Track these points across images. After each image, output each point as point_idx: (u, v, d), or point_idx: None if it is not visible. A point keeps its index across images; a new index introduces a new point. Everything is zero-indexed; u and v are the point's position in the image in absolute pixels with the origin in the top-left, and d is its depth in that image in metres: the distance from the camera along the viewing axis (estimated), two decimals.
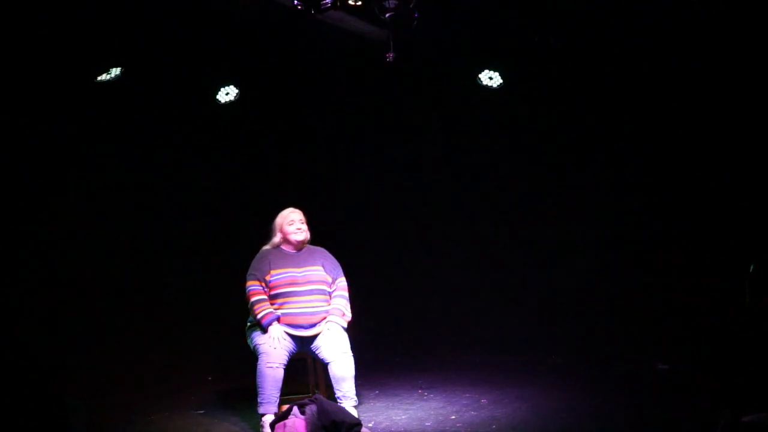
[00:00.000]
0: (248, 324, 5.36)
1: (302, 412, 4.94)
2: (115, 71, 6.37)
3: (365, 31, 6.09)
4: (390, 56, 5.49)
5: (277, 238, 5.45)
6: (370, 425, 5.18)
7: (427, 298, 7.68)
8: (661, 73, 6.58)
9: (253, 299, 5.27)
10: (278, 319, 5.22)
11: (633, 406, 5.35)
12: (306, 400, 5.04)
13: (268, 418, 5.06)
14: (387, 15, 5.30)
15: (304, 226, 5.45)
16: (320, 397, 5.08)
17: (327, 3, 5.29)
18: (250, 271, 5.37)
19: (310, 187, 7.63)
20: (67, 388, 5.77)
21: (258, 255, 5.45)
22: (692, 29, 6.18)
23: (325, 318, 5.29)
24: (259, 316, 5.22)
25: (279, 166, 7.78)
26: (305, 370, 5.70)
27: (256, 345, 5.20)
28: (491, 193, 7.42)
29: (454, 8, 6.15)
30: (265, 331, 5.19)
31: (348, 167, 7.91)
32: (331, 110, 7.80)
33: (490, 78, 7.09)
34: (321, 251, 5.51)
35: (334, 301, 5.35)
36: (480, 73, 7.09)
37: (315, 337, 5.27)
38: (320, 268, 5.38)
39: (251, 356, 5.22)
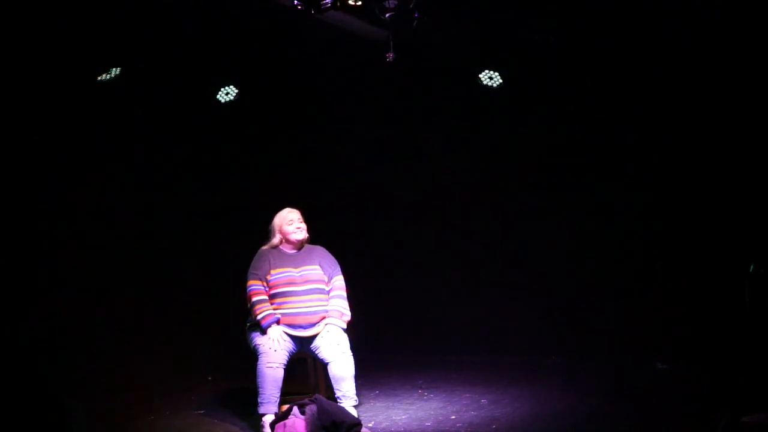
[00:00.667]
0: (248, 324, 5.36)
1: (302, 412, 4.94)
2: (115, 71, 6.36)
3: (365, 31, 6.09)
4: (390, 56, 5.49)
5: (276, 239, 5.45)
6: (370, 425, 5.18)
7: (427, 297, 7.67)
8: (662, 72, 6.58)
9: (253, 299, 5.27)
10: (278, 321, 5.22)
11: (633, 406, 5.34)
12: (306, 400, 5.04)
13: (268, 418, 5.06)
14: (387, 15, 5.30)
15: (303, 225, 5.46)
16: (320, 397, 5.09)
17: (327, 3, 5.28)
18: (251, 270, 5.37)
19: (310, 186, 7.62)
20: (67, 388, 5.77)
21: (257, 255, 5.45)
22: (692, 29, 6.18)
23: (324, 318, 5.29)
24: (259, 317, 5.22)
25: (279, 166, 7.77)
26: (305, 370, 5.70)
27: (255, 345, 5.20)
28: (491, 192, 7.41)
29: (454, 8, 6.15)
30: (264, 332, 5.19)
31: (348, 167, 7.91)
32: (330, 110, 7.79)
33: (490, 78, 7.08)
34: (319, 250, 5.52)
35: (332, 302, 5.35)
36: (480, 73, 7.09)
37: (314, 337, 5.27)
38: (317, 267, 5.38)
39: (251, 356, 5.23)
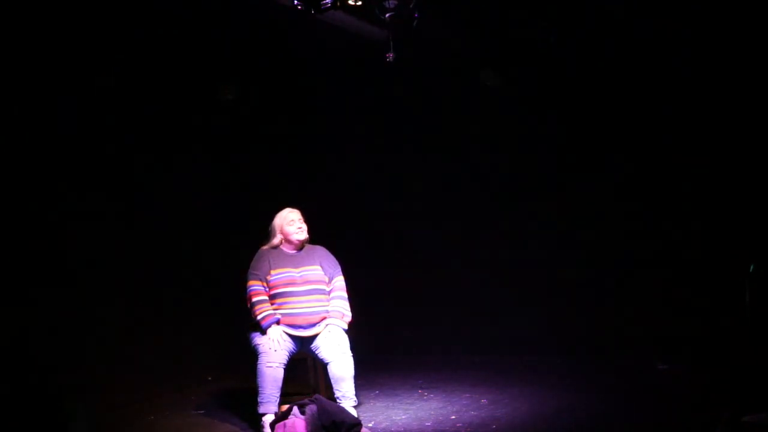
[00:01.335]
0: (249, 324, 5.36)
1: (302, 412, 4.94)
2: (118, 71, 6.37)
3: (365, 31, 6.08)
4: (390, 56, 5.49)
5: (276, 239, 5.46)
6: (370, 425, 5.18)
7: (427, 297, 7.68)
8: (662, 72, 6.58)
9: (254, 299, 5.27)
10: (278, 321, 5.22)
11: (633, 406, 5.34)
12: (306, 400, 5.05)
13: (268, 418, 5.06)
14: (387, 15, 5.30)
15: (304, 225, 5.46)
16: (320, 397, 5.09)
17: (327, 3, 5.28)
18: (251, 270, 5.37)
19: (310, 186, 7.62)
20: (67, 388, 5.77)
21: (257, 254, 5.45)
22: (693, 29, 6.18)
23: (324, 318, 5.30)
24: (259, 318, 5.22)
25: (279, 166, 7.77)
26: (305, 370, 5.70)
27: (255, 345, 5.21)
28: (491, 192, 7.41)
29: (454, 8, 6.15)
30: (264, 332, 5.19)
31: (348, 167, 7.91)
32: (330, 110, 7.80)
33: (491, 78, 7.08)
34: (320, 250, 5.52)
35: (332, 302, 5.35)
36: (480, 73, 7.09)
37: (315, 337, 5.28)
38: (318, 267, 5.39)
39: (251, 356, 5.23)
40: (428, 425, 5.18)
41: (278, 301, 5.26)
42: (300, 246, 5.45)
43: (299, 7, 5.33)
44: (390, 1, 5.25)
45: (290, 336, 5.22)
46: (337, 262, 5.51)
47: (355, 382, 5.26)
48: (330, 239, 5.68)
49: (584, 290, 6.97)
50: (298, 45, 6.70)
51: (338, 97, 7.64)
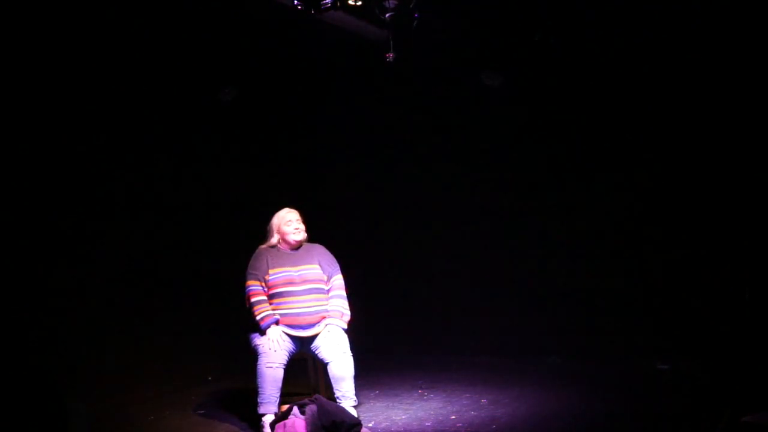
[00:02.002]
0: (249, 324, 5.35)
1: (302, 412, 4.94)
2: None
3: (365, 31, 6.08)
4: (390, 56, 5.49)
5: (274, 239, 5.45)
6: (370, 425, 5.18)
7: (427, 297, 7.68)
8: (663, 72, 6.57)
9: (252, 300, 5.27)
10: (277, 322, 5.22)
11: (633, 406, 5.34)
12: (306, 400, 5.05)
13: (268, 418, 5.06)
14: (387, 15, 5.30)
15: (302, 226, 5.46)
16: (320, 397, 5.09)
17: (327, 3, 5.29)
18: (249, 270, 5.37)
19: (310, 185, 7.63)
20: (67, 388, 5.77)
21: (255, 254, 5.45)
22: (693, 29, 6.18)
23: (324, 318, 5.30)
24: (258, 318, 5.22)
25: (278, 165, 7.77)
26: (305, 370, 5.70)
27: (255, 345, 5.20)
28: (492, 192, 7.41)
29: (454, 8, 6.15)
30: (264, 332, 5.19)
31: (347, 166, 7.91)
32: (330, 110, 7.80)
33: (491, 78, 7.08)
34: (318, 248, 5.52)
35: (331, 302, 5.35)
36: (480, 73, 7.09)
37: (314, 337, 5.27)
38: (316, 266, 5.38)
39: (251, 356, 5.22)
40: (428, 425, 5.18)
41: (277, 300, 5.26)
42: (297, 246, 5.45)
43: (299, 7, 5.33)
44: (390, 1, 5.25)
45: (290, 336, 5.22)
46: (335, 261, 5.50)
47: (355, 382, 5.26)
48: (329, 238, 5.68)
49: (584, 290, 6.97)
50: (297, 45, 6.70)
51: (338, 96, 7.64)
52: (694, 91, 6.47)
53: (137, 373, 6.45)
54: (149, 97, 6.75)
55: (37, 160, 6.05)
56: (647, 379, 6.05)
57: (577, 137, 7.06)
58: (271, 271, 5.30)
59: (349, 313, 5.37)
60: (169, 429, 5.42)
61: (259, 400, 5.10)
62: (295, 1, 5.30)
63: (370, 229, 7.85)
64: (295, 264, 5.35)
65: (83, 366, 6.04)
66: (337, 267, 5.48)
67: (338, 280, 5.43)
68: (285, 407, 5.03)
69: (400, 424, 5.23)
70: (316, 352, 5.29)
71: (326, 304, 5.34)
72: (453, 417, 5.32)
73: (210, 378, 6.82)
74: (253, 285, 5.30)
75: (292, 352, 5.24)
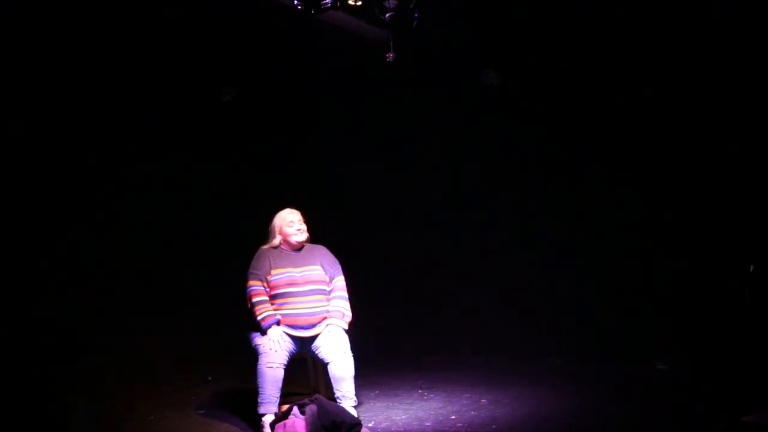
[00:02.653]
0: (249, 324, 5.35)
1: (302, 412, 4.94)
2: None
3: (365, 31, 6.09)
4: (390, 56, 5.49)
5: (276, 240, 5.45)
6: (370, 425, 5.18)
7: (427, 297, 7.68)
8: (663, 72, 6.58)
9: (254, 300, 5.27)
10: (278, 322, 5.22)
11: (633, 406, 5.34)
12: (306, 400, 5.05)
13: (268, 418, 5.06)
14: (387, 15, 5.31)
15: (304, 226, 5.46)
16: (320, 397, 5.09)
17: (327, 3, 5.29)
18: (251, 270, 5.36)
19: (309, 186, 7.63)
20: (68, 388, 5.78)
21: (257, 254, 5.44)
22: (693, 29, 6.18)
23: (325, 318, 5.30)
24: (259, 318, 5.22)
25: (278, 166, 7.78)
26: (305, 370, 5.70)
27: (256, 345, 5.20)
28: (491, 192, 7.42)
29: (454, 8, 6.15)
30: (265, 332, 5.19)
31: (347, 166, 7.91)
32: (330, 110, 7.80)
33: (491, 78, 7.08)
34: (320, 249, 5.51)
35: (333, 302, 5.35)
36: (480, 73, 7.09)
37: (315, 337, 5.27)
38: (319, 267, 5.38)
39: (251, 356, 5.22)
40: (428, 425, 5.18)
41: (279, 301, 5.26)
42: (300, 246, 5.45)
43: (299, 7, 5.33)
44: (390, 1, 5.25)
45: (290, 336, 5.22)
46: (337, 262, 5.50)
47: (355, 382, 5.26)
48: (329, 239, 5.68)
49: (584, 290, 6.97)
50: (297, 45, 6.70)
51: (338, 96, 7.64)
52: (694, 91, 6.48)
53: (137, 373, 6.45)
54: (149, 97, 6.76)
55: (38, 160, 6.06)
56: (647, 379, 6.05)
57: (577, 137, 7.07)
58: (273, 272, 5.30)
59: (350, 313, 5.37)
60: (169, 429, 5.42)
61: (259, 400, 5.10)
62: (295, 1, 5.30)
63: (369, 229, 7.85)
64: (297, 265, 5.35)
65: (83, 366, 6.04)
66: (339, 268, 5.48)
67: (340, 281, 5.43)
68: (285, 407, 5.03)
69: (400, 424, 5.23)
70: (317, 353, 5.29)
71: (327, 305, 5.34)
72: (453, 417, 5.32)
73: (210, 378, 6.82)
74: (255, 285, 5.30)
75: (293, 353, 5.24)
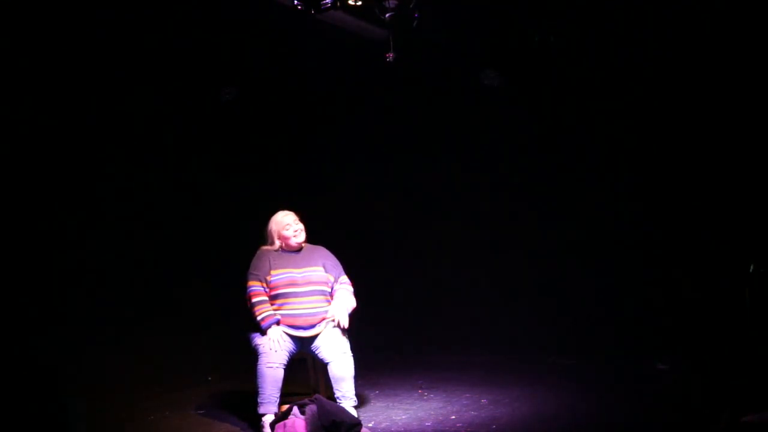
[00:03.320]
0: (249, 324, 5.35)
1: (302, 412, 4.94)
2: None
3: (365, 31, 6.08)
4: (390, 56, 5.49)
5: (276, 244, 5.45)
6: (370, 425, 5.18)
7: (428, 297, 7.68)
8: (663, 72, 6.58)
9: (253, 300, 5.27)
10: (278, 322, 5.22)
11: (633, 406, 5.34)
12: (306, 400, 5.05)
13: (268, 418, 5.06)
14: (387, 15, 5.31)
15: (300, 226, 5.45)
16: (320, 397, 5.09)
17: (327, 3, 5.29)
18: (251, 270, 5.36)
19: (309, 186, 7.63)
20: (67, 388, 5.77)
21: (257, 254, 5.44)
22: (693, 29, 6.18)
23: (324, 318, 5.30)
24: (258, 318, 5.22)
25: (278, 166, 7.77)
26: (305, 370, 5.70)
27: (256, 345, 5.20)
28: (492, 192, 7.42)
29: (455, 8, 6.15)
30: (265, 332, 5.19)
31: (347, 166, 7.91)
32: (330, 110, 7.80)
33: (491, 78, 7.08)
34: (321, 250, 5.51)
35: (337, 293, 5.37)
36: (480, 73, 7.09)
37: (315, 337, 5.27)
38: (320, 268, 5.38)
39: (251, 356, 5.22)
40: (428, 425, 5.18)
41: (279, 301, 5.26)
42: (299, 247, 5.45)
43: (299, 7, 5.33)
44: (390, 1, 5.25)
45: (290, 336, 5.21)
46: (338, 263, 5.50)
47: (355, 382, 5.26)
48: (329, 239, 5.68)
49: (584, 290, 6.97)
50: (297, 45, 6.70)
51: (338, 96, 7.64)
52: (695, 91, 6.48)
53: (137, 373, 6.44)
54: (149, 97, 6.75)
55: (37, 161, 6.06)
56: (647, 379, 6.05)
57: (579, 137, 7.06)
58: (273, 272, 5.30)
59: (354, 301, 5.37)
60: (169, 429, 5.42)
61: (259, 400, 5.10)
62: (295, 1, 5.30)
63: (369, 229, 7.85)
64: (298, 265, 5.35)
65: (83, 366, 6.04)
66: (342, 269, 5.49)
67: (344, 278, 5.47)
68: (285, 407, 5.03)
69: (400, 424, 5.23)
70: (317, 352, 5.29)
71: (328, 306, 5.34)
72: (453, 417, 5.32)
73: (210, 378, 6.82)
74: (254, 285, 5.29)
75: (293, 353, 5.24)
